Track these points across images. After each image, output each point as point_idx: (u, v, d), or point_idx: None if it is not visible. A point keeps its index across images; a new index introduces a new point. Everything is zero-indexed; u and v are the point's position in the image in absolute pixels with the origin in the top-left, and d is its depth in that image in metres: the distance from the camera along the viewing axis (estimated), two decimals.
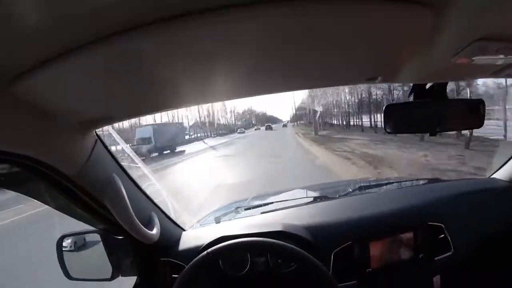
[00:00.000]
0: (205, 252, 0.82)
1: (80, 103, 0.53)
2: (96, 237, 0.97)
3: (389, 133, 0.76)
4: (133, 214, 0.74)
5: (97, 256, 0.99)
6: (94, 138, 0.70)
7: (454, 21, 0.41)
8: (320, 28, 0.39)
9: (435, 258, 1.03)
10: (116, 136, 0.94)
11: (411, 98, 0.76)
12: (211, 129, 47.64)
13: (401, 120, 0.78)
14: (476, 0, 0.37)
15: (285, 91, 0.65)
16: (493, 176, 1.28)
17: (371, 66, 0.56)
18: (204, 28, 0.35)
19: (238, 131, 45.13)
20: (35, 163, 0.57)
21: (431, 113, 0.77)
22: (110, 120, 0.62)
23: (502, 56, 0.50)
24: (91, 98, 0.52)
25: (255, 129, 51.95)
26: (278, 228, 0.99)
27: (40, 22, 0.30)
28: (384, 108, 0.77)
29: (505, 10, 0.39)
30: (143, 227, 0.80)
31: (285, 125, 54.14)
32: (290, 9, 0.35)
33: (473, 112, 0.80)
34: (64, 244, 1.02)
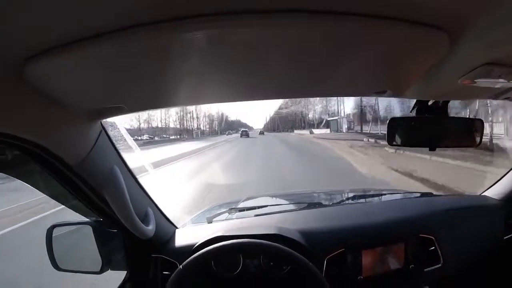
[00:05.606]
0: (200, 251, 0.82)
1: (90, 92, 0.52)
2: (88, 229, 0.96)
3: (391, 145, 0.77)
4: (132, 208, 0.74)
5: (87, 248, 0.97)
6: (99, 129, 0.69)
7: (466, 45, 0.42)
8: (334, 41, 0.40)
9: (425, 270, 1.05)
10: (122, 128, 0.93)
11: (414, 113, 0.78)
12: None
13: (403, 133, 0.80)
14: (489, 28, 0.38)
15: (292, 97, 0.66)
16: (484, 193, 1.31)
17: (381, 81, 0.57)
18: (207, 31, 0.36)
19: None
20: (37, 149, 0.56)
21: (432, 129, 0.79)
22: (118, 111, 0.62)
23: (503, 80, 0.52)
24: (101, 88, 0.52)
25: None
26: (273, 231, 0.99)
27: (56, 7, 0.30)
28: (388, 121, 0.78)
29: None
30: (140, 222, 0.80)
31: (261, 133, 46.13)
32: (304, 20, 0.35)
33: (472, 130, 0.83)
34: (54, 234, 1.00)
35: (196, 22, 0.34)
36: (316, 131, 31.59)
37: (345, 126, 27.82)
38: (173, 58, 0.41)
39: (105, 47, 0.37)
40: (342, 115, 28.78)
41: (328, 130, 29.81)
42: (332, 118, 30.89)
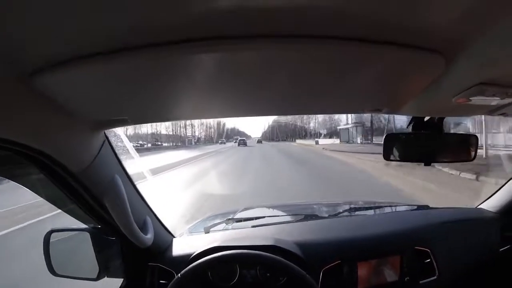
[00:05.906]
0: (198, 261, 0.82)
1: (96, 104, 0.54)
2: (86, 235, 0.96)
3: (387, 160, 0.79)
4: (131, 216, 0.75)
5: (84, 255, 0.97)
6: (103, 138, 0.71)
7: (461, 66, 0.44)
8: (334, 63, 0.43)
9: (420, 282, 1.05)
10: (124, 138, 0.94)
11: (410, 129, 0.80)
12: None
13: (399, 149, 0.82)
14: (483, 50, 0.40)
15: (293, 114, 0.69)
16: (480, 206, 1.32)
17: (378, 99, 0.60)
18: (213, 54, 0.38)
19: None
20: (40, 155, 0.57)
21: (427, 144, 0.81)
22: (122, 122, 0.64)
23: (497, 98, 0.54)
24: (107, 101, 0.54)
25: None
26: (270, 242, 1.00)
27: (64, 24, 0.32)
28: (384, 137, 0.81)
29: (506, 61, 0.43)
30: (139, 230, 0.80)
31: (259, 141, 46.38)
32: (306, 44, 0.37)
33: (467, 146, 0.85)
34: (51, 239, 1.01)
35: (201, 46, 0.36)
36: (321, 141, 28.53)
37: (359, 137, 24.00)
38: (177, 75, 0.43)
39: (112, 64, 0.38)
40: (349, 123, 25.70)
41: (335, 140, 26.53)
42: (343, 127, 27.26)
